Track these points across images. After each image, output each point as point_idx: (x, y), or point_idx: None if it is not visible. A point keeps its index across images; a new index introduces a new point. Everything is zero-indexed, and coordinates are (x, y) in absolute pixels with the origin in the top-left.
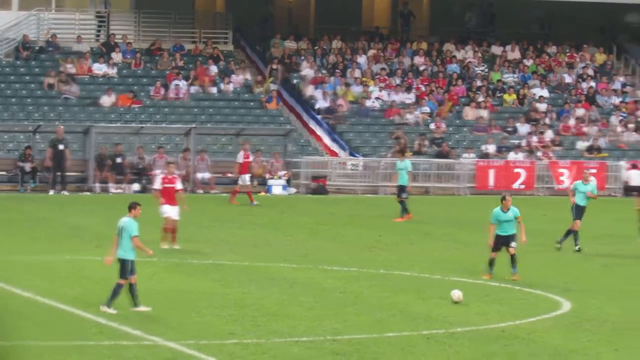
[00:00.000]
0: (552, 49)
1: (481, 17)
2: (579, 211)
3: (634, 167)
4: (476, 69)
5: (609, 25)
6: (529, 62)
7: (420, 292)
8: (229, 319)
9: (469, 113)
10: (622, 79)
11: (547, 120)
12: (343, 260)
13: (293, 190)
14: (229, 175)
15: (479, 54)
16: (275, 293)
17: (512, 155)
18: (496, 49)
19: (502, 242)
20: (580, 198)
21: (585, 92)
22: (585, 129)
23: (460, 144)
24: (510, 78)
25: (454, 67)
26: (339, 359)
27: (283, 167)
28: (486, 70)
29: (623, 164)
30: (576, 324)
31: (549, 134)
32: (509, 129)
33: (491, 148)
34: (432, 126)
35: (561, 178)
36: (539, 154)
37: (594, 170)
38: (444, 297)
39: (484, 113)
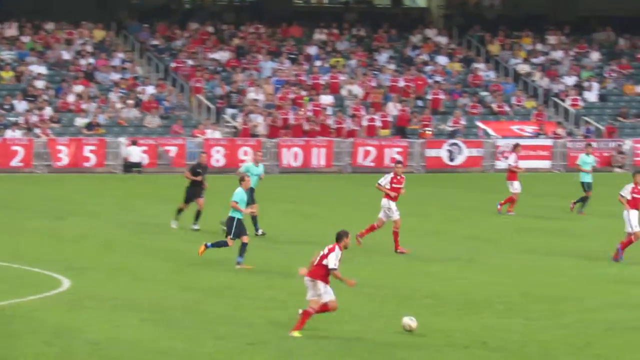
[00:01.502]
0: (49, 26)
1: None
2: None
3: (134, 143)
4: None
5: (108, 1)
6: (26, 39)
7: None
8: None
9: None
10: (121, 55)
11: (45, 97)
12: None
13: None
14: None
15: None
16: None
17: (9, 133)
18: None
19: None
20: (255, 181)
21: (84, 69)
22: (84, 106)
23: None
24: (7, 55)
25: None
26: None
27: None
28: None
29: (123, 140)
30: (77, 302)
31: (47, 111)
32: (6, 107)
33: None
34: None
35: (60, 155)
36: (37, 131)
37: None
38: None
39: None
